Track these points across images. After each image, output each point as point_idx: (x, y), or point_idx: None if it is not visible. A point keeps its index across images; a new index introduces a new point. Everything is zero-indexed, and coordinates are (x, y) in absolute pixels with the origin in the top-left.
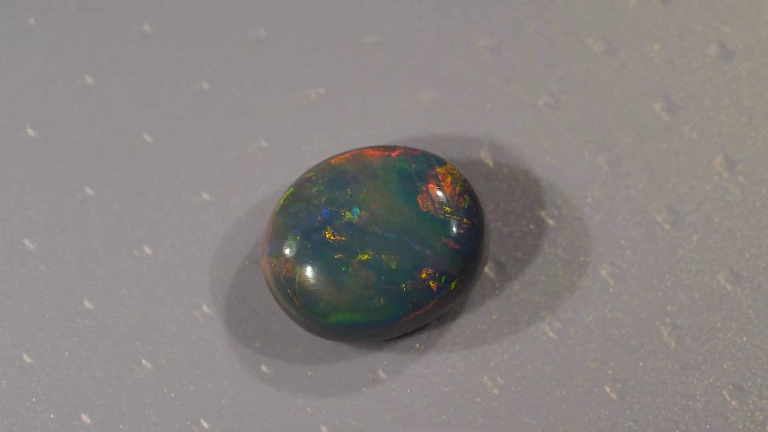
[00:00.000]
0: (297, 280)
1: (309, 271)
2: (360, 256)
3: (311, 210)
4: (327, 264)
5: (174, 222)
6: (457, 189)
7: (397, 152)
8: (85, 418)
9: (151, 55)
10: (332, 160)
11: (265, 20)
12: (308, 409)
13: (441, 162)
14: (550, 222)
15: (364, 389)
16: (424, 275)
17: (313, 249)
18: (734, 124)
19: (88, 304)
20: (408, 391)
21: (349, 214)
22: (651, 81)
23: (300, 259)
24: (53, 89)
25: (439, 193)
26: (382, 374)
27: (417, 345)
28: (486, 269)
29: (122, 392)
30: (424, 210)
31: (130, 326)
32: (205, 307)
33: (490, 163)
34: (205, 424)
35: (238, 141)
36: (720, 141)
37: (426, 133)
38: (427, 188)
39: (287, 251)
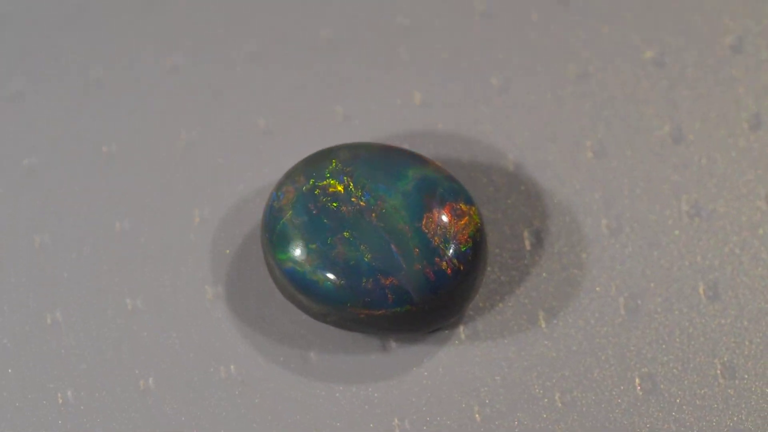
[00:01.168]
0: (284, 219)
1: (298, 219)
2: (344, 233)
3: (334, 176)
4: (317, 224)
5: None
6: (466, 232)
7: (437, 168)
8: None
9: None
10: (377, 145)
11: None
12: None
13: (468, 201)
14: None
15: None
16: (387, 282)
17: (314, 206)
18: None
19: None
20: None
21: (361, 201)
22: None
23: (296, 206)
24: None
25: (446, 223)
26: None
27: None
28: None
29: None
30: (424, 230)
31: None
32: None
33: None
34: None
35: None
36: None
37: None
38: (439, 213)
39: (290, 194)
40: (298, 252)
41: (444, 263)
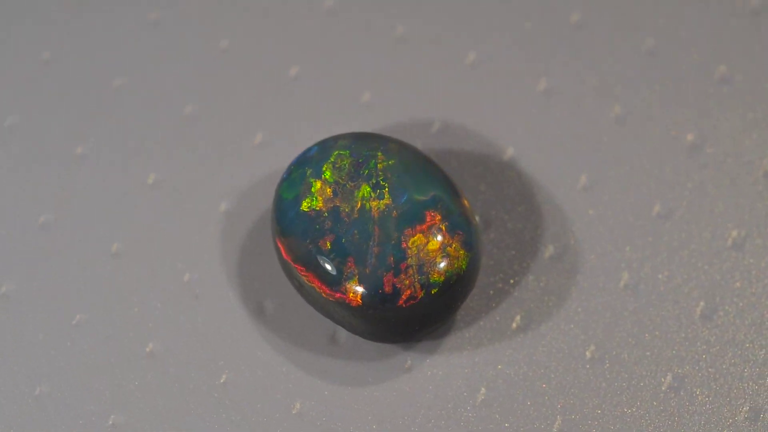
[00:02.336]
0: (309, 170)
1: (324, 179)
2: (346, 208)
3: (363, 170)
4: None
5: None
6: (443, 270)
7: (461, 203)
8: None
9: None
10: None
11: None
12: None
13: (468, 246)
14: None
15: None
16: (349, 266)
17: (339, 176)
18: None
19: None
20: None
21: (379, 202)
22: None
23: (327, 169)
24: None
25: (427, 250)
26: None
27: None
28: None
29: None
30: (404, 245)
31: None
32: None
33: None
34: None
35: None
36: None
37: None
38: (428, 238)
39: (328, 153)
40: (303, 199)
41: (406, 282)
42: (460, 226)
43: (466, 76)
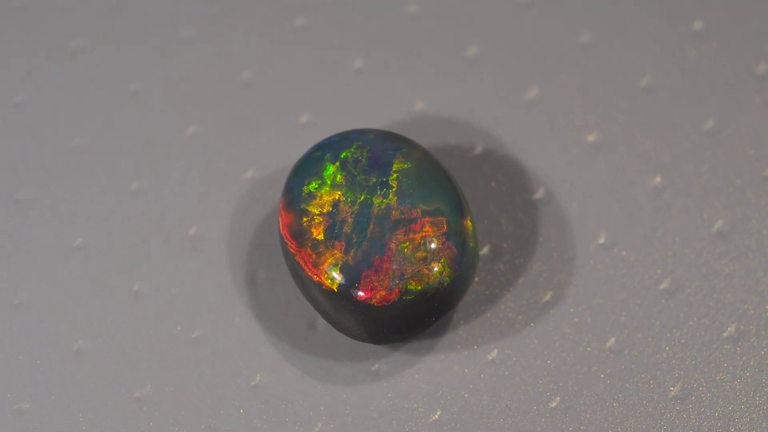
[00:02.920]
0: (327, 155)
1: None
2: (349, 198)
3: (372, 168)
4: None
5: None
6: (422, 276)
7: (461, 221)
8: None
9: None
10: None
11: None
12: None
13: (454, 265)
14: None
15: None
16: (336, 252)
17: (353, 167)
18: None
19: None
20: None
21: (383, 200)
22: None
23: (343, 158)
24: None
25: (413, 255)
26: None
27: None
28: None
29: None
30: (392, 246)
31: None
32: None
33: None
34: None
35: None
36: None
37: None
38: (418, 241)
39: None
40: (312, 180)
41: (384, 283)
42: (454, 243)
43: (523, 111)
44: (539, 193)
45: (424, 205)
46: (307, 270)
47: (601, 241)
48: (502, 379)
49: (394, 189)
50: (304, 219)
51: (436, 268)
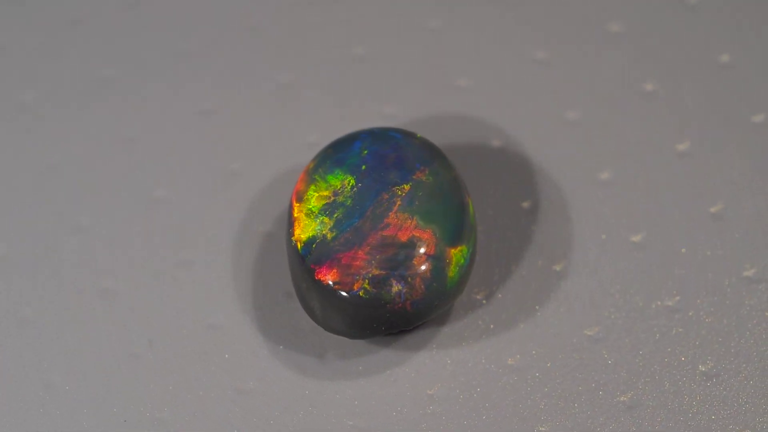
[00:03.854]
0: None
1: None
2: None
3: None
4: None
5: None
6: (383, 284)
7: (457, 247)
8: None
9: None
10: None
11: None
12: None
13: (422, 288)
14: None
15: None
16: (326, 221)
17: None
18: None
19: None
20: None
21: (388, 200)
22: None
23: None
24: None
25: (386, 260)
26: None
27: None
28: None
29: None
30: (371, 241)
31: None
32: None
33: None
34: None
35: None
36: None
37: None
38: (396, 250)
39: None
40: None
41: (348, 272)
42: (431, 267)
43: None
44: (560, 266)
45: (421, 221)
46: (293, 234)
47: (594, 331)
48: (447, 411)
49: (402, 195)
50: (312, 187)
51: (400, 284)
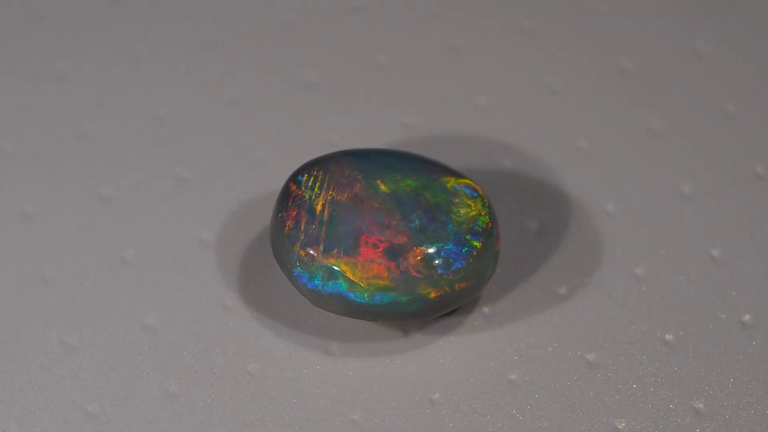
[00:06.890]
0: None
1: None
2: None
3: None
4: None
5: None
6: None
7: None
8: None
9: None
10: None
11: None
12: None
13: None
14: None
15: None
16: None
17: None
18: None
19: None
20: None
21: (389, 203)
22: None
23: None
24: None
25: (355, 265)
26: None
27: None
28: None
29: None
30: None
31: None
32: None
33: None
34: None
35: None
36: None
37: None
38: (365, 257)
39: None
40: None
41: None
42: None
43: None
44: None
45: (428, 245)
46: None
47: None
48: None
49: (399, 208)
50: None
51: (364, 284)
